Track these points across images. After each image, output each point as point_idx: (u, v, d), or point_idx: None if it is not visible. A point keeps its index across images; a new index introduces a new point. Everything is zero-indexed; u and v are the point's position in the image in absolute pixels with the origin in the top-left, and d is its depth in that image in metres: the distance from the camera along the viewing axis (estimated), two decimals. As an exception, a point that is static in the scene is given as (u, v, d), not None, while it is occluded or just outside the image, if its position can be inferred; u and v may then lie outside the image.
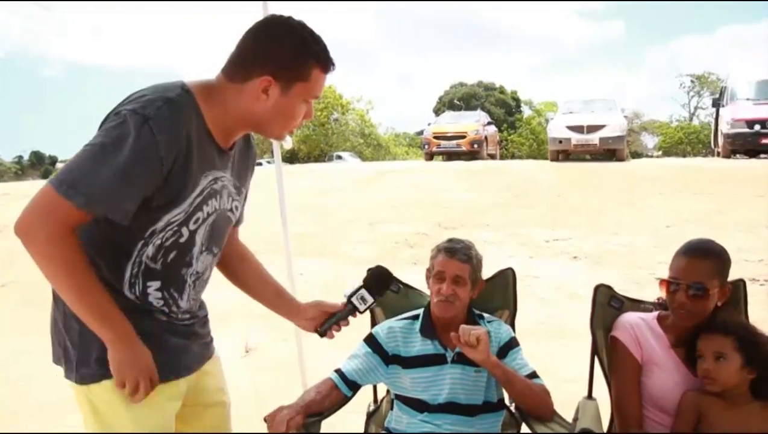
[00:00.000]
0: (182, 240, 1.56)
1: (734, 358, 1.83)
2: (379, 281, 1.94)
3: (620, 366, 2.06)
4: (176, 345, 1.63)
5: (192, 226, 1.56)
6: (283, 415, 1.87)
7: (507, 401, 2.22)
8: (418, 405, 2.13)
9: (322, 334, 1.89)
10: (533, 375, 2.10)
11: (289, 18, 1.54)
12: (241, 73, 1.51)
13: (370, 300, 1.88)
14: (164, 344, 1.59)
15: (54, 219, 1.37)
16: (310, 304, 1.92)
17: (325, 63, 1.56)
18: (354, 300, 1.88)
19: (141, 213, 1.45)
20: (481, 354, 1.92)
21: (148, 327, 1.56)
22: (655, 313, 2.10)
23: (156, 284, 1.57)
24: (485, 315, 2.27)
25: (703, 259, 1.93)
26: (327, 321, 1.88)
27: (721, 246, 1.98)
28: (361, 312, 1.90)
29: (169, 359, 1.59)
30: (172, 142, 1.42)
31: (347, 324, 1.90)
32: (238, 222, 1.85)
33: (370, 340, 2.19)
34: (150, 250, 1.53)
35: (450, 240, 2.21)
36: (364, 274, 1.95)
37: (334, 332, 1.89)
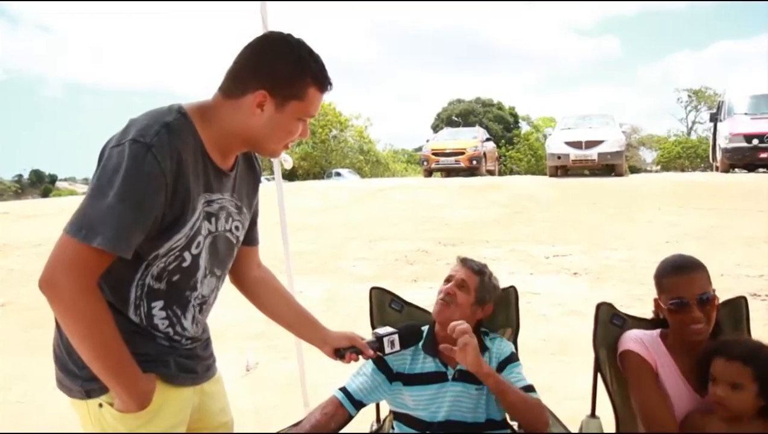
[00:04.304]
0: (185, 264, 1.55)
1: (750, 388, 1.78)
2: (412, 335, 2.05)
3: (641, 377, 2.00)
4: (180, 364, 1.63)
5: (194, 250, 1.55)
6: None
7: (510, 420, 2.21)
8: (419, 424, 2.12)
9: (341, 357, 1.91)
10: (529, 388, 2.07)
11: (288, 35, 1.54)
12: (237, 88, 1.50)
13: (397, 347, 1.98)
14: (168, 362, 1.59)
15: (79, 268, 1.34)
16: (342, 335, 1.94)
17: (322, 82, 1.54)
18: (385, 340, 1.95)
19: (144, 240, 1.43)
20: (471, 364, 1.92)
21: (152, 350, 1.55)
22: (658, 331, 2.09)
23: (160, 303, 1.56)
24: (489, 332, 2.27)
25: (698, 271, 1.95)
26: (350, 347, 1.91)
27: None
28: (383, 355, 1.98)
29: (172, 373, 1.59)
30: (174, 167, 1.41)
31: (366, 357, 1.95)
32: (252, 243, 1.84)
33: (377, 358, 2.18)
34: (154, 271, 1.52)
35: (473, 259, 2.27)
36: (402, 325, 2.03)
37: (352, 360, 1.92)
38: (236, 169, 1.65)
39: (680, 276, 1.95)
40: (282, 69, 1.49)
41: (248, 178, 1.73)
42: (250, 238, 1.83)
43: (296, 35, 1.55)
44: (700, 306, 1.89)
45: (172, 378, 1.58)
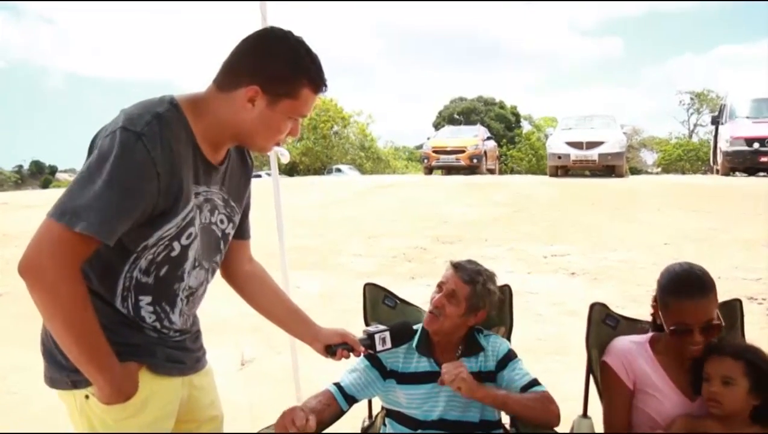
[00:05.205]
0: (174, 253, 1.54)
1: (742, 383, 1.80)
2: (403, 333, 2.04)
3: (610, 392, 2.04)
4: (167, 355, 1.62)
5: (184, 241, 1.54)
6: (300, 415, 1.82)
7: (504, 419, 2.21)
8: (411, 422, 2.12)
9: (332, 354, 1.90)
10: (534, 382, 2.06)
11: (288, 32, 1.52)
12: (231, 82, 1.49)
13: (389, 345, 1.97)
14: (155, 352, 1.58)
15: (63, 252, 1.33)
16: (333, 332, 1.92)
17: (317, 83, 1.53)
18: (376, 337, 1.94)
19: (132, 229, 1.43)
20: (466, 394, 1.91)
21: (139, 341, 1.55)
22: (648, 336, 2.08)
23: (148, 298, 1.55)
24: (484, 330, 2.26)
25: (706, 295, 1.86)
26: (341, 344, 1.90)
27: (706, 271, 1.91)
28: (374, 352, 1.98)
29: (159, 363, 1.58)
30: (165, 157, 1.41)
31: (358, 354, 1.94)
32: (243, 236, 1.83)
33: (370, 355, 2.17)
34: (142, 264, 1.51)
35: (468, 261, 2.21)
36: (394, 322, 2.03)
37: (343, 357, 1.90)
38: (227, 163, 1.64)
39: (687, 301, 1.85)
40: (277, 66, 1.48)
41: (240, 171, 1.72)
42: (242, 232, 1.82)
43: (297, 33, 1.53)
44: (703, 331, 1.85)
45: (157, 367, 1.57)
